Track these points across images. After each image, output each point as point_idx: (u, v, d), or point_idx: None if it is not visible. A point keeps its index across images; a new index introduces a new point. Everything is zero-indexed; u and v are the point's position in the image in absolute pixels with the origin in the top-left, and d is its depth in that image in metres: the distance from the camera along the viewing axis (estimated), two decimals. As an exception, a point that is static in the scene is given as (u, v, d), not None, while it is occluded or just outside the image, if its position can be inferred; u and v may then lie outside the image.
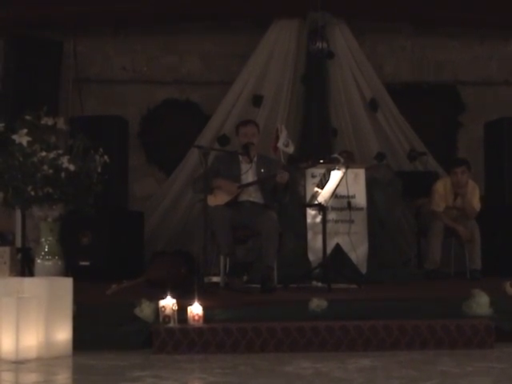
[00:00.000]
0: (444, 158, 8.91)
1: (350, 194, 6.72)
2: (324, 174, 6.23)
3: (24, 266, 6.43)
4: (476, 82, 9.49)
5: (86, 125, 7.38)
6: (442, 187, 7.51)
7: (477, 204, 7.49)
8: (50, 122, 5.76)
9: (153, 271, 6.25)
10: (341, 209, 6.82)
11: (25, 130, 5.59)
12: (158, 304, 4.91)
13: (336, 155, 6.72)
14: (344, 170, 6.20)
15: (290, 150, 7.14)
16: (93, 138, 5.92)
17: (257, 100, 8.86)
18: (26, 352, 4.46)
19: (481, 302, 5.15)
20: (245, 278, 6.62)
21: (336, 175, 6.17)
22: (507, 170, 8.17)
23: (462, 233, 7.36)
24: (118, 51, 9.30)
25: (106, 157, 5.93)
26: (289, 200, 6.63)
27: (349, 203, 6.75)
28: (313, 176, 6.80)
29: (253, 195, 6.29)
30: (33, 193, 5.53)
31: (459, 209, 7.51)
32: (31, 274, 6.11)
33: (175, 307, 4.88)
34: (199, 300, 4.94)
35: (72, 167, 5.59)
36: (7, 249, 6.30)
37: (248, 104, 8.87)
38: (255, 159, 6.36)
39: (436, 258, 7.31)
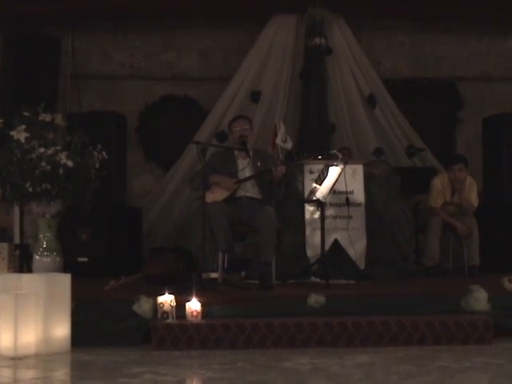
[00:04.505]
0: (442, 153, 8.91)
1: (348, 189, 6.72)
2: (322, 170, 6.23)
3: (22, 263, 6.44)
4: (474, 78, 9.49)
5: (84, 121, 7.37)
6: (439, 183, 7.51)
7: (474, 199, 7.49)
8: (47, 118, 5.75)
9: (151, 267, 6.25)
10: (339, 205, 6.82)
11: (23, 126, 5.59)
12: (156, 300, 4.91)
13: (334, 151, 6.72)
14: (342, 166, 6.20)
15: (289, 145, 7.14)
16: (91, 134, 5.91)
17: (255, 96, 8.86)
18: (24, 348, 4.47)
19: (479, 298, 5.16)
20: (243, 274, 6.63)
21: (334, 171, 6.17)
22: (505, 165, 8.17)
23: (459, 228, 7.36)
24: (116, 47, 9.29)
25: (104, 153, 5.93)
26: (286, 196, 6.64)
27: (347, 199, 6.74)
28: (311, 172, 6.80)
29: (250, 191, 6.28)
30: (31, 189, 5.52)
31: (457, 204, 7.51)
32: (29, 270, 6.12)
33: (173, 303, 4.88)
34: (197, 296, 4.94)
35: (70, 163, 5.58)
36: (5, 245, 6.30)
37: (246, 100, 8.88)
38: (251, 154, 6.36)
39: (434, 254, 7.31)
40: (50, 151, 5.56)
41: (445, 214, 7.41)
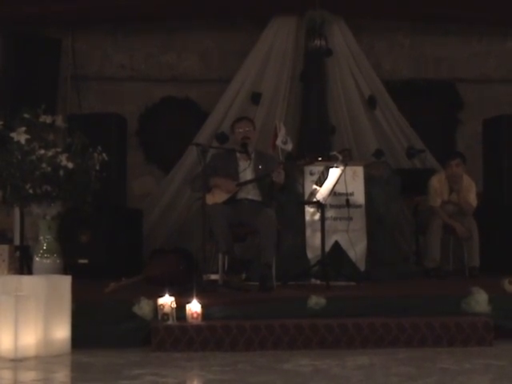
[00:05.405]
0: (442, 155, 8.88)
1: (349, 191, 6.71)
2: (322, 172, 6.23)
3: (22, 264, 6.43)
4: (474, 79, 9.50)
5: (85, 122, 7.36)
6: (436, 182, 7.52)
7: (473, 199, 7.48)
8: (48, 119, 5.75)
9: (151, 269, 6.25)
10: (339, 206, 6.82)
11: (23, 128, 5.59)
12: (156, 302, 4.91)
13: (334, 153, 6.72)
14: (342, 168, 6.20)
15: (289, 147, 7.14)
16: (91, 136, 5.90)
17: (255, 97, 8.86)
18: (24, 350, 4.46)
19: (480, 300, 5.16)
20: (243, 275, 6.63)
21: (334, 173, 6.17)
22: (506, 166, 8.17)
23: (459, 231, 7.35)
24: (116, 49, 9.30)
25: (104, 155, 5.93)
26: (287, 198, 6.64)
27: (347, 201, 6.74)
28: (311, 174, 6.80)
29: (251, 193, 6.27)
30: (31, 191, 5.52)
31: (455, 203, 7.50)
32: (30, 271, 6.11)
33: (174, 305, 4.88)
34: (198, 298, 4.94)
35: (70, 165, 5.58)
36: (6, 247, 6.30)
37: (246, 101, 8.88)
38: (253, 156, 6.36)
39: (435, 255, 7.30)
40: (50, 153, 5.56)
41: (444, 215, 7.41)
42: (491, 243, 7.62)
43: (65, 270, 5.71)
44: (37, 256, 5.73)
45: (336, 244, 6.82)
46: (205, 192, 5.82)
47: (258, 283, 5.95)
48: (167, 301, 4.88)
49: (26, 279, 4.83)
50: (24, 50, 8.26)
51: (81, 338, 4.75)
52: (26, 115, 5.69)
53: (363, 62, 9.07)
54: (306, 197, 6.52)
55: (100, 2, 8.49)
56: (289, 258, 6.70)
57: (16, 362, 4.39)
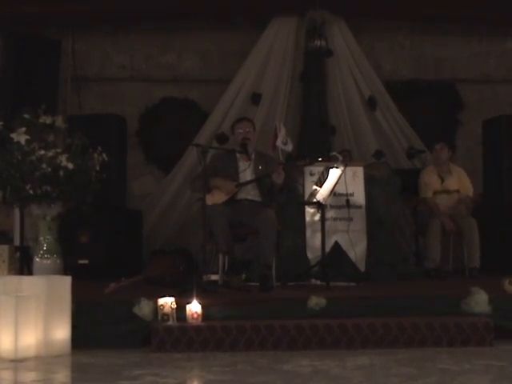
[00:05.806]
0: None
1: (349, 191, 6.72)
2: (322, 172, 6.23)
3: (23, 265, 6.44)
4: (474, 80, 9.50)
5: (85, 123, 7.38)
6: (426, 175, 7.63)
7: (469, 188, 7.54)
8: (48, 120, 5.76)
9: (151, 269, 6.24)
10: (339, 207, 6.82)
11: (23, 129, 5.59)
12: (156, 302, 4.91)
13: (334, 153, 6.73)
14: (342, 168, 6.20)
15: (289, 148, 7.14)
16: (91, 137, 5.92)
17: (255, 98, 8.87)
18: (24, 350, 4.46)
19: (480, 300, 5.15)
20: (243, 275, 6.63)
21: (334, 173, 6.17)
22: (505, 167, 8.18)
23: (446, 224, 7.35)
24: (116, 49, 9.30)
25: (104, 155, 5.94)
26: (287, 198, 6.64)
27: (347, 201, 6.74)
28: (311, 174, 6.80)
29: (251, 193, 6.28)
30: (31, 191, 5.53)
31: (448, 191, 7.52)
32: (30, 272, 6.12)
33: (174, 305, 4.87)
34: (198, 298, 4.94)
35: (70, 166, 5.59)
36: (6, 247, 6.30)
37: (246, 102, 8.89)
38: (253, 156, 6.36)
39: (435, 256, 7.30)
40: (50, 153, 5.57)
41: (437, 208, 7.43)
42: (491, 243, 7.62)
43: (65, 271, 5.72)
44: (37, 256, 5.73)
45: (336, 244, 6.82)
46: (205, 192, 5.82)
47: (258, 283, 5.95)
48: (167, 301, 4.87)
49: (26, 280, 4.83)
50: (24, 51, 8.26)
51: (81, 338, 4.74)
52: (26, 116, 5.70)
53: (363, 63, 9.07)
54: (306, 197, 6.51)
55: (100, 2, 8.49)
56: (289, 258, 6.70)
57: (16, 362, 4.38)
